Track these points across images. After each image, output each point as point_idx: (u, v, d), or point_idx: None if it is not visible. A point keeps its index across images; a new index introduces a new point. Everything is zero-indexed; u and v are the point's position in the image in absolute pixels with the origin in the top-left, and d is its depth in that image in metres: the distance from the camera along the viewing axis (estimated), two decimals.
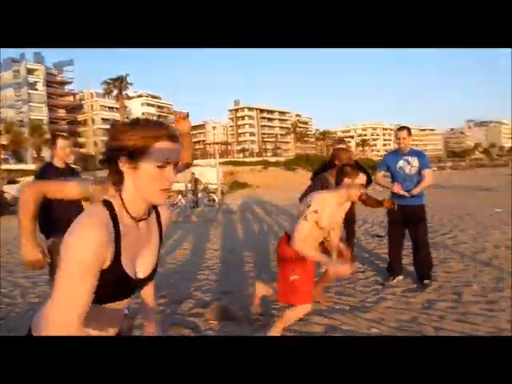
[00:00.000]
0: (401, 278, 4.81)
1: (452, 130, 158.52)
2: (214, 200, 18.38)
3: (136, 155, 1.08)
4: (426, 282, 4.57)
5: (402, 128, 4.76)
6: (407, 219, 4.69)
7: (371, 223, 9.31)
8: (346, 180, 2.80)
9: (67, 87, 71.05)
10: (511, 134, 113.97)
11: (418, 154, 4.79)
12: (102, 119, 68.88)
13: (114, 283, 1.10)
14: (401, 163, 4.72)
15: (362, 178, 2.82)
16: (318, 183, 4.27)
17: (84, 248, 0.99)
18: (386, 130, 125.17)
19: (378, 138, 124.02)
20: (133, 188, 1.11)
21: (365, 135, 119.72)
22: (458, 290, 4.30)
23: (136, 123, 1.10)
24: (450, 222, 8.89)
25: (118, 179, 1.12)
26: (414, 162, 4.68)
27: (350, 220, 4.92)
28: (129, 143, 1.07)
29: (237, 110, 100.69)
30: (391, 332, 3.31)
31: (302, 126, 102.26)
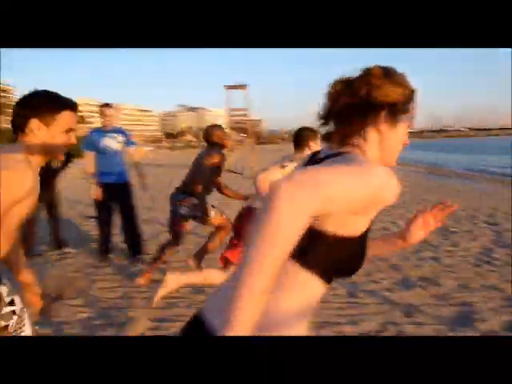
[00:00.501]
0: (112, 256, 5.03)
1: (168, 112, 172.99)
2: None
3: (398, 111, 0.99)
4: (137, 256, 4.82)
5: (106, 105, 4.96)
6: (113, 197, 4.85)
7: (84, 204, 8.94)
8: (311, 143, 3.00)
9: None
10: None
11: (122, 132, 5.03)
12: None
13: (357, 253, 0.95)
14: (106, 140, 4.86)
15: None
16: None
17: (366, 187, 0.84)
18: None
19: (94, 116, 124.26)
20: (377, 149, 1.01)
21: (81, 111, 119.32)
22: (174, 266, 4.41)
23: (393, 75, 1.00)
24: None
25: (365, 137, 1.00)
26: (119, 138, 4.90)
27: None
28: (393, 97, 0.97)
29: None
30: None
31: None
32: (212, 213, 4.02)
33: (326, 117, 1.06)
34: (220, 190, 4.27)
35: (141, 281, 4.11)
